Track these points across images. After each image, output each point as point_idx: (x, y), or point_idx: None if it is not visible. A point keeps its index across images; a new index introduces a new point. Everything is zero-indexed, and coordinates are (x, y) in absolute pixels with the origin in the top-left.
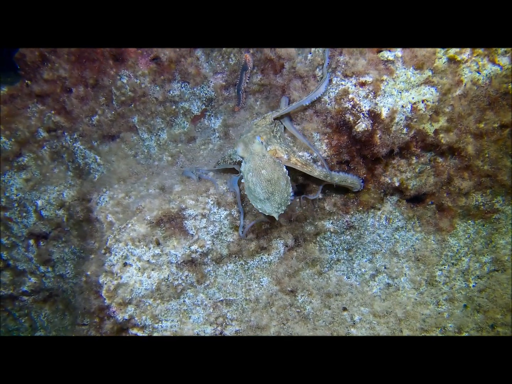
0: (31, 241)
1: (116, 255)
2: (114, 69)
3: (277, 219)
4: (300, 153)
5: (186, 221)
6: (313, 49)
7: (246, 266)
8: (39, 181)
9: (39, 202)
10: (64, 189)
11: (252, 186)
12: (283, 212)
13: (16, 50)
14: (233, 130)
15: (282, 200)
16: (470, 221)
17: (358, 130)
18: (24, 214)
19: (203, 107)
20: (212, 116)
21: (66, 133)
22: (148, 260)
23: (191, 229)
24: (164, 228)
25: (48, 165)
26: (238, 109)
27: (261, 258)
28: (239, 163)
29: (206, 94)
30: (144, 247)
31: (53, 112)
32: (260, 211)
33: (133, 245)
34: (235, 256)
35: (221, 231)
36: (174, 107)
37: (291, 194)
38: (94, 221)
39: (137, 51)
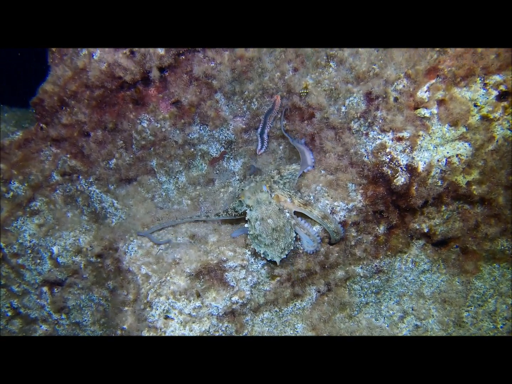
0: (45, 288)
1: (157, 309)
2: (134, 113)
3: (278, 263)
4: (336, 203)
5: (227, 273)
6: (347, 102)
7: (280, 313)
8: (52, 226)
9: (55, 249)
10: (80, 234)
11: (259, 233)
12: (285, 257)
13: (34, 95)
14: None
15: (286, 245)
16: (495, 264)
17: (397, 184)
18: (38, 260)
19: (222, 149)
20: (231, 158)
21: (81, 177)
22: (189, 313)
23: (232, 281)
24: (203, 280)
25: (61, 209)
26: (260, 153)
27: (295, 304)
28: (244, 213)
29: (225, 137)
30: (185, 300)
31: (69, 156)
32: (262, 255)
33: (174, 298)
34: (271, 304)
35: (259, 280)
36: (192, 149)
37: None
38: (125, 272)
39: (158, 95)
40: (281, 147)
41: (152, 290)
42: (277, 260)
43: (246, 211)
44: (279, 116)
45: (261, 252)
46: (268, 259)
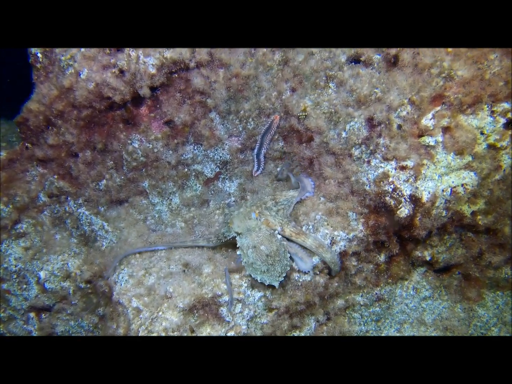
0: (32, 314)
1: None
2: (125, 133)
3: (277, 287)
4: (336, 232)
5: (222, 308)
6: (347, 127)
7: None
8: (40, 249)
9: (42, 274)
10: (69, 258)
11: (253, 261)
12: (283, 280)
13: (18, 113)
14: (251, 196)
15: (282, 268)
16: (499, 292)
17: (400, 215)
18: (25, 286)
19: (217, 170)
20: (226, 179)
21: (69, 198)
22: None
23: (227, 316)
24: (197, 315)
25: (49, 231)
26: (257, 175)
27: (293, 336)
28: (233, 238)
29: (220, 157)
30: None
31: (56, 177)
32: (260, 281)
33: (167, 335)
34: None
35: (256, 313)
36: (186, 170)
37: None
38: (115, 304)
39: (150, 114)
40: (278, 169)
41: (143, 327)
42: (276, 284)
43: (236, 238)
44: (276, 137)
45: (258, 278)
46: (267, 284)
